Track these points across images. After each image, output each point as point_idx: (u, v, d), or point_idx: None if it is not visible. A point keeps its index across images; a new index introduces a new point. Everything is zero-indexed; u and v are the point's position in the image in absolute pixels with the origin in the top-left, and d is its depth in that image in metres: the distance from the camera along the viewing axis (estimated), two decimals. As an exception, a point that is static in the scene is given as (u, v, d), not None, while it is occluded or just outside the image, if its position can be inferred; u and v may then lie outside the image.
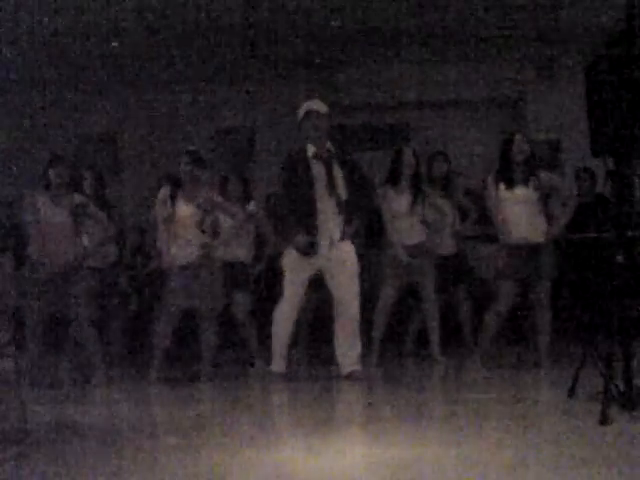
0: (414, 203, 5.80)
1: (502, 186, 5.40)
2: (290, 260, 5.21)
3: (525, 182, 5.39)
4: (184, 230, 5.43)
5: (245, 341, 6.08)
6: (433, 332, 5.87)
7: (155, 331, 5.52)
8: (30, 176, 8.48)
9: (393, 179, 5.85)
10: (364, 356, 5.47)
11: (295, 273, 5.19)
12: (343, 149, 5.46)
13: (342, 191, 5.17)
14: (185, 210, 5.44)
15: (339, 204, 5.15)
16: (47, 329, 5.57)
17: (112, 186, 6.97)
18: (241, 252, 6.04)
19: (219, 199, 5.66)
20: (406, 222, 5.80)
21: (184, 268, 5.41)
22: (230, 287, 5.92)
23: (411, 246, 5.79)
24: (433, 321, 5.85)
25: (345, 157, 5.31)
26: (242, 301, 5.98)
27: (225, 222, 5.86)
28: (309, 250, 5.09)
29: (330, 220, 5.16)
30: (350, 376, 5.14)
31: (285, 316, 5.23)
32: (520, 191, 5.38)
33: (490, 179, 5.47)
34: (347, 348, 5.18)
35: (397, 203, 5.79)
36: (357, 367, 5.18)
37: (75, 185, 5.68)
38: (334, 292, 5.21)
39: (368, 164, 7.75)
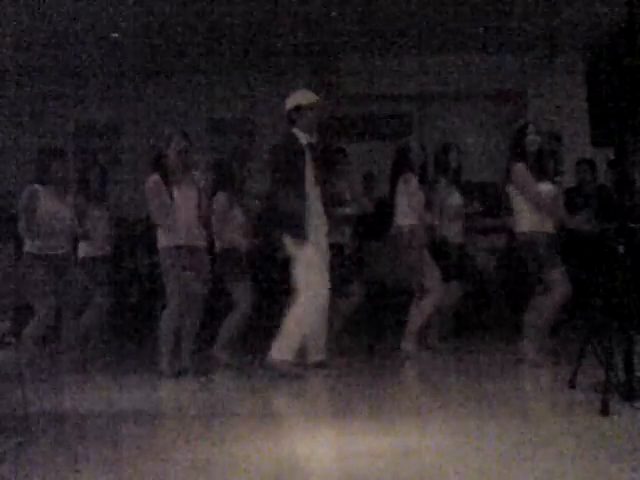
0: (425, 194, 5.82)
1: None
2: (304, 251, 5.06)
3: (542, 175, 5.29)
4: (181, 214, 5.31)
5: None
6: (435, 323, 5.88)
7: (164, 319, 5.31)
8: (31, 168, 8.53)
9: (400, 170, 5.81)
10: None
11: (313, 262, 5.06)
12: (330, 139, 5.45)
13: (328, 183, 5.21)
14: (180, 193, 5.34)
15: (324, 194, 5.17)
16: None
17: (113, 176, 6.92)
18: (237, 239, 5.87)
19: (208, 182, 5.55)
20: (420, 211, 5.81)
21: (181, 249, 5.30)
22: (229, 275, 5.83)
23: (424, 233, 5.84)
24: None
25: (331, 147, 5.34)
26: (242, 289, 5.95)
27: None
28: (302, 236, 5.06)
29: (318, 209, 5.15)
30: (317, 364, 5.11)
31: (317, 308, 5.04)
32: (546, 185, 5.29)
33: (520, 167, 5.23)
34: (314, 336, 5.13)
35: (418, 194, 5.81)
36: (322, 356, 5.15)
37: (75, 179, 5.68)
38: None
39: (370, 154, 7.75)
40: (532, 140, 5.25)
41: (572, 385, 4.22)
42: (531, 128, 5.33)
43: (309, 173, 5.13)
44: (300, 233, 5.05)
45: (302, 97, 5.21)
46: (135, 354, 6.49)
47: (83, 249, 5.98)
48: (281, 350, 5.01)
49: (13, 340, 4.43)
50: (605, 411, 3.59)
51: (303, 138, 5.17)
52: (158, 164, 5.46)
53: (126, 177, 8.54)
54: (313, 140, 5.19)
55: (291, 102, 5.20)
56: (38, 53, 8.53)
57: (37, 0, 7.07)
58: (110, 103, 9.31)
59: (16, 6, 7.14)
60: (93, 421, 4.03)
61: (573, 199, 6.43)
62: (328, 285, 5.12)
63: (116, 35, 8.14)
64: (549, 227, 5.18)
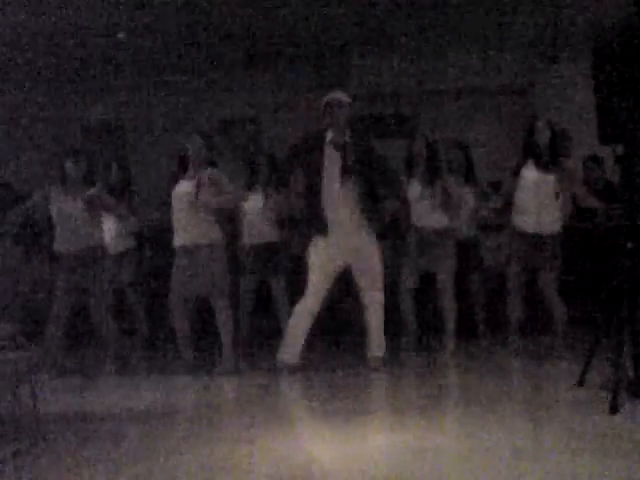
0: (425, 190, 5.83)
1: (524, 173, 5.41)
2: (316, 252, 5.17)
3: (547, 169, 5.37)
4: (189, 210, 5.33)
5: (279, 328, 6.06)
6: (448, 321, 5.86)
7: (173, 320, 5.46)
8: (37, 168, 8.56)
9: (407, 168, 5.92)
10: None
11: (321, 266, 5.16)
12: (364, 139, 5.42)
13: (356, 182, 5.14)
14: (187, 188, 5.37)
15: (352, 194, 5.14)
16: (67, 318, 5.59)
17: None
18: (271, 233, 6.00)
19: (216, 176, 5.43)
20: (420, 208, 5.84)
21: (187, 250, 5.34)
22: (265, 270, 5.95)
23: (430, 231, 5.83)
24: (449, 310, 5.86)
25: (365, 147, 5.28)
26: (278, 284, 5.97)
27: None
28: (323, 231, 5.11)
29: (342, 209, 5.15)
30: (370, 361, 5.25)
31: (307, 311, 5.19)
32: (542, 178, 5.37)
33: (514, 167, 5.49)
34: (376, 336, 5.27)
35: (411, 191, 5.84)
36: (382, 353, 5.29)
37: (91, 177, 5.68)
38: (359, 282, 5.25)
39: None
40: (540, 136, 5.34)
41: (581, 383, 4.21)
42: (539, 124, 5.40)
43: (330, 170, 5.13)
44: (319, 229, 5.12)
45: (328, 96, 5.22)
46: (146, 354, 6.50)
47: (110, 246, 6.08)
48: (282, 350, 5.24)
49: (24, 341, 4.44)
50: (614, 409, 3.58)
51: (329, 135, 5.18)
52: (180, 162, 5.55)
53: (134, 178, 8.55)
54: (340, 138, 5.16)
55: (322, 102, 5.24)
56: (46, 53, 8.55)
57: (47, 1, 7.09)
58: (116, 104, 9.32)
59: (21, 5, 7.15)
60: (102, 423, 4.05)
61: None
62: (326, 286, 5.17)
63: (122, 35, 8.15)
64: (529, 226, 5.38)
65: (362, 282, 5.25)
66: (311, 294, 5.18)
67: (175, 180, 5.49)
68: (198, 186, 5.30)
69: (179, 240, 5.39)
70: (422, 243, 5.82)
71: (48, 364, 5.43)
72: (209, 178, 5.36)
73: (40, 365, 5.36)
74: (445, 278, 5.83)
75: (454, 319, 5.89)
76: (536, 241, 5.41)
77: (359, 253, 5.19)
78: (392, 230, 6.24)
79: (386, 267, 5.40)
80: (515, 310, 5.57)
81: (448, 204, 5.88)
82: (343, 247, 5.15)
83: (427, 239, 5.82)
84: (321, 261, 5.16)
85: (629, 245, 3.93)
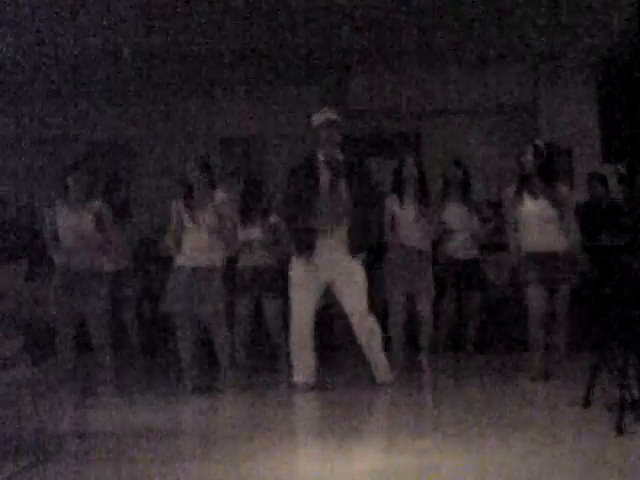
0: (419, 211, 5.83)
1: (521, 198, 5.37)
2: (297, 273, 5.18)
3: (545, 195, 5.31)
4: (199, 236, 5.34)
5: (275, 348, 6.06)
6: (425, 339, 5.87)
7: (177, 339, 5.46)
8: (45, 183, 8.59)
9: (397, 189, 5.90)
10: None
11: (302, 286, 5.16)
12: (353, 158, 5.43)
13: (344, 203, 5.14)
14: (199, 215, 5.38)
15: (340, 215, 5.13)
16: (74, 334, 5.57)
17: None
18: (267, 257, 5.99)
19: (222, 203, 5.44)
20: (412, 229, 5.83)
21: (192, 272, 5.33)
22: (259, 292, 5.94)
23: (417, 252, 5.82)
24: (426, 327, 5.87)
25: (354, 166, 5.29)
26: (271, 306, 5.96)
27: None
28: (307, 252, 5.10)
29: (332, 231, 5.14)
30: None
31: (298, 331, 5.18)
32: (539, 204, 5.32)
33: (509, 191, 5.45)
34: (379, 362, 5.21)
35: (402, 211, 5.84)
36: (390, 378, 5.23)
37: (94, 192, 5.69)
38: (344, 307, 5.21)
39: (377, 172, 7.77)
40: (529, 161, 5.30)
41: (586, 404, 4.18)
42: (530, 149, 5.36)
43: (324, 192, 5.13)
44: (305, 251, 5.11)
45: (316, 116, 5.24)
46: (148, 371, 6.49)
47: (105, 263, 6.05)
48: (295, 373, 5.21)
49: (26, 357, 4.44)
50: (619, 430, 3.55)
51: (321, 156, 5.19)
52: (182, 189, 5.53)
53: (138, 194, 8.57)
54: (333, 157, 5.17)
55: (312, 122, 5.25)
56: (50, 70, 8.60)
57: (51, 19, 7.14)
58: (120, 123, 9.35)
59: (29, 25, 7.21)
60: (104, 441, 4.03)
61: (586, 214, 6.39)
62: (311, 304, 5.15)
63: (127, 52, 8.20)
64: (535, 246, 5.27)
65: (345, 303, 5.18)
66: (296, 313, 5.17)
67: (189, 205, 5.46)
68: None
69: (182, 259, 5.38)
70: (408, 263, 5.80)
71: (66, 381, 5.43)
72: (217, 205, 5.38)
73: (59, 384, 5.43)
74: (426, 298, 5.84)
75: (431, 337, 5.92)
76: (550, 259, 5.32)
77: (341, 270, 5.12)
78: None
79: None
80: (538, 333, 5.30)
81: (448, 225, 5.95)
82: (325, 264, 5.11)
83: (413, 259, 5.81)
84: (302, 278, 5.14)
85: (635, 264, 3.93)
